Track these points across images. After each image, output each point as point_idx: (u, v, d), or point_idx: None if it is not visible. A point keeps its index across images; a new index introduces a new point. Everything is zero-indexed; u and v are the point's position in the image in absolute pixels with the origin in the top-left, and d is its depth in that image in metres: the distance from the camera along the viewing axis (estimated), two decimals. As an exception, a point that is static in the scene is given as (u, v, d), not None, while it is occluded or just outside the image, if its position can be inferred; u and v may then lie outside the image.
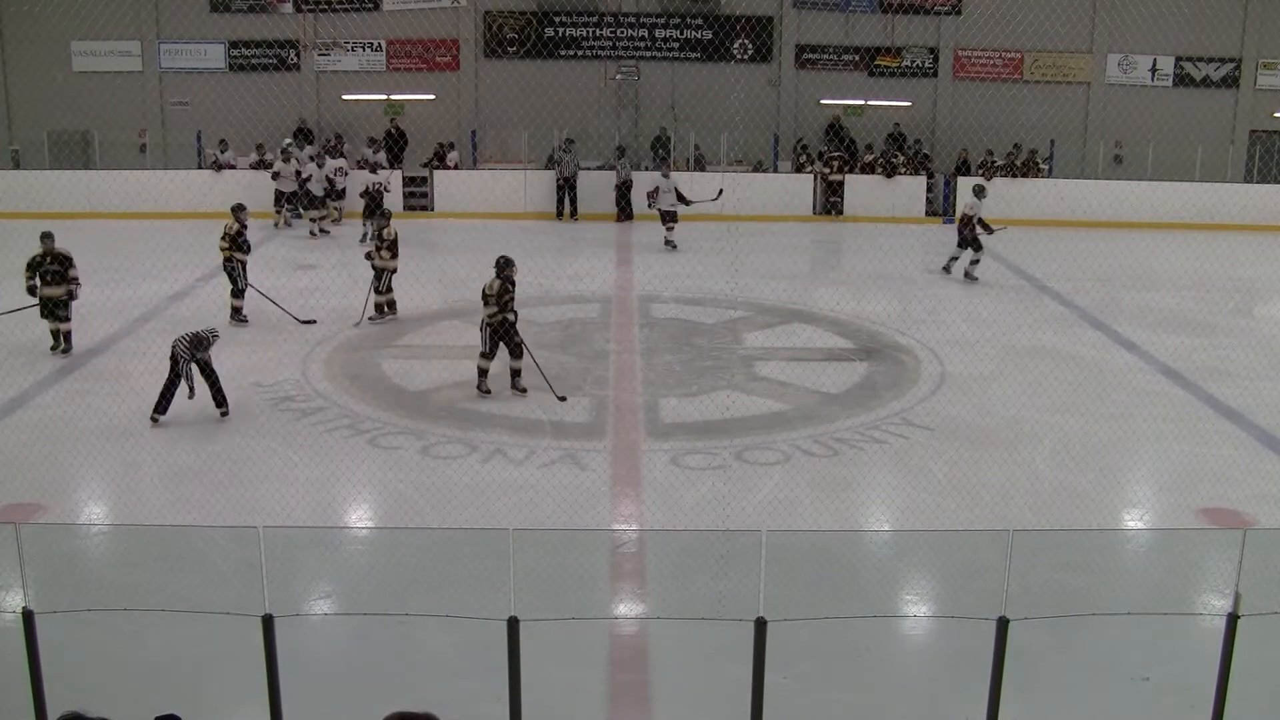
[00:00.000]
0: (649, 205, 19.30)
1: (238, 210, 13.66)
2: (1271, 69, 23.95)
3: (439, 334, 13.39)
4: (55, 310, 12.04)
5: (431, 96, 23.55)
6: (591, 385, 11.50)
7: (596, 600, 7.13)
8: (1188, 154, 21.93)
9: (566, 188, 21.39)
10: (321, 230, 19.79)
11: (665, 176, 19.08)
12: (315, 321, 13.43)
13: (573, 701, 6.06)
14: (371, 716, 3.17)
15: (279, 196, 20.31)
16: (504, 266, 11.02)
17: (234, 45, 23.32)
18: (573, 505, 8.49)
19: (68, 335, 12.17)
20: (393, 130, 22.85)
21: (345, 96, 23.44)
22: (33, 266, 12.06)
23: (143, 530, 7.63)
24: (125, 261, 14.68)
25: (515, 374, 11.07)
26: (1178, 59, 23.85)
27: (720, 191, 18.40)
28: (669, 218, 18.74)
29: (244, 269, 13.54)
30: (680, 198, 18.64)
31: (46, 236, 12.19)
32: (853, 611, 6.49)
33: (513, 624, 4.91)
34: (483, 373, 11.05)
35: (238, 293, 13.56)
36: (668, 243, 18.78)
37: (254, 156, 21.70)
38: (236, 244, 13.46)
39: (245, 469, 9.12)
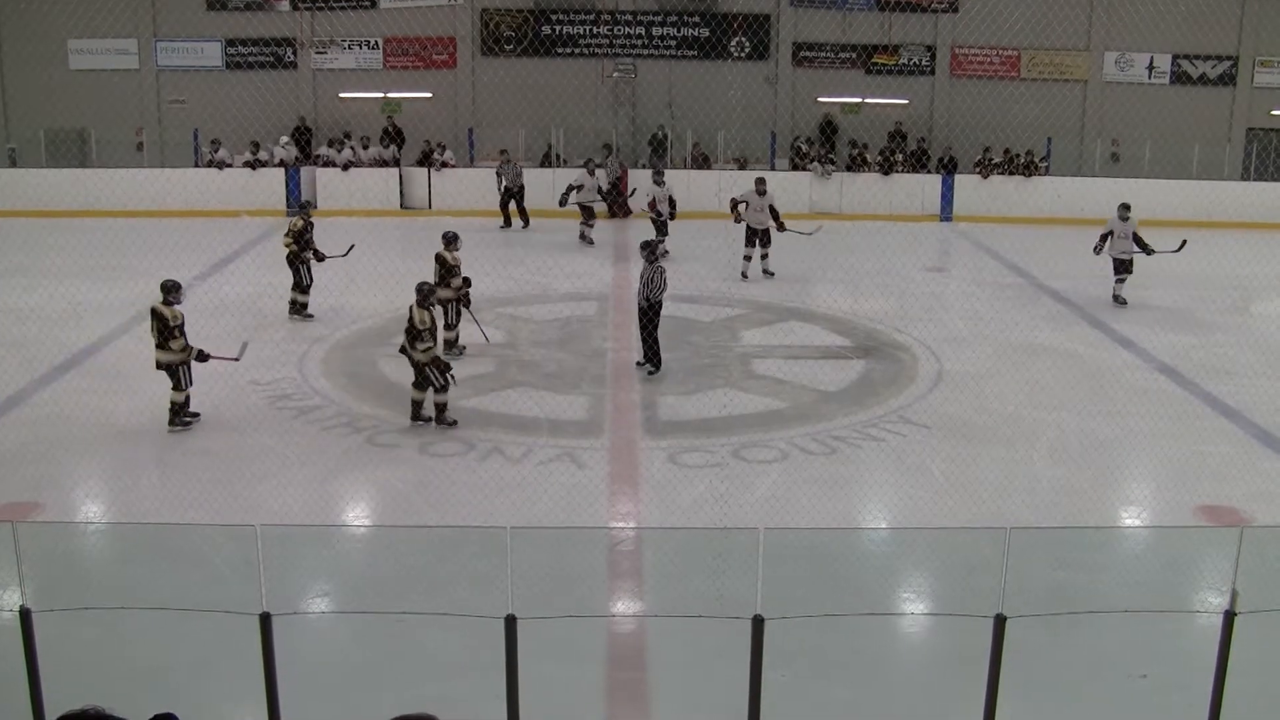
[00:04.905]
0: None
1: (304, 208, 14.20)
2: (1268, 67, 23.93)
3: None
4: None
5: (429, 95, 23.52)
6: (589, 383, 11.50)
7: (594, 598, 7.13)
8: (1185, 152, 21.91)
9: (512, 197, 20.56)
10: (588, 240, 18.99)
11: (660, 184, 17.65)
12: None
13: (571, 699, 6.06)
14: (370, 715, 3.17)
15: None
16: None
17: (231, 43, 23.27)
18: (570, 503, 8.50)
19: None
20: (390, 128, 22.84)
21: (342, 95, 23.40)
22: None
23: (140, 528, 7.63)
24: (122, 260, 14.66)
25: None
26: (1175, 57, 23.82)
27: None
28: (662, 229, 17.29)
29: (307, 266, 13.71)
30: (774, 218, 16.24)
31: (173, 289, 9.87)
32: (850, 609, 6.49)
33: (510, 622, 4.90)
34: None
35: (303, 289, 13.72)
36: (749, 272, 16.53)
37: (248, 155, 21.66)
38: (300, 241, 13.64)
39: (242, 467, 9.10)
